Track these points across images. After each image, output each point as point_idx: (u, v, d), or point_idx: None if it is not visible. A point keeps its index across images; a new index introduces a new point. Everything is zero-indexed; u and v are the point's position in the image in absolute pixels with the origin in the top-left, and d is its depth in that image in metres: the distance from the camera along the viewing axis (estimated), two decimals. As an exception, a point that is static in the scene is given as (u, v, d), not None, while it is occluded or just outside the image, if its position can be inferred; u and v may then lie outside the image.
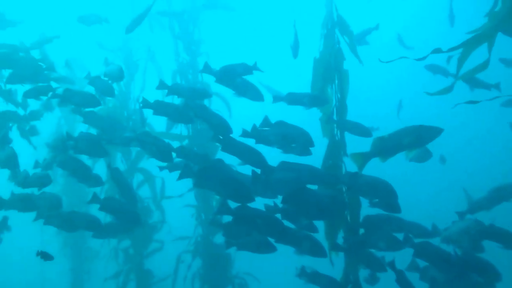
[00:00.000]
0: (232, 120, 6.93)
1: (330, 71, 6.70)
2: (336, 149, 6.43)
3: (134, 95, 9.30)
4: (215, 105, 8.86)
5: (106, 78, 7.14)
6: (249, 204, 5.81)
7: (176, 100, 7.93)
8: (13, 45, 7.51)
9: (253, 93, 6.71)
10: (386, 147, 5.55)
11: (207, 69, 6.73)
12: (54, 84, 7.45)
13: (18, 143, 7.69)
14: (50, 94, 7.44)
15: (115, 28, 9.44)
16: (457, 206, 6.99)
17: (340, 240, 6.17)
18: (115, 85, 7.52)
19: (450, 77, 9.33)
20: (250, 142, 6.23)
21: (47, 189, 6.80)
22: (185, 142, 8.50)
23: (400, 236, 5.77)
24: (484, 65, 5.33)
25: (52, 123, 10.20)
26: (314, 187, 6.00)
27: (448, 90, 5.64)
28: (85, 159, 7.42)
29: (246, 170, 6.07)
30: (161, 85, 7.00)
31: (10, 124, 7.69)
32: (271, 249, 5.98)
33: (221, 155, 6.59)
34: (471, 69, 5.45)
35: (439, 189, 15.85)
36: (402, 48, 12.21)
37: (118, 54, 9.59)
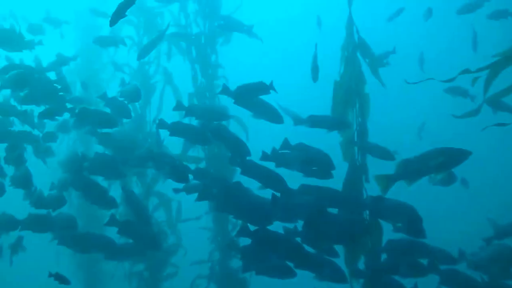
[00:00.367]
0: (249, 143, 6.82)
1: (351, 95, 6.57)
2: (357, 174, 6.28)
3: (150, 118, 9.20)
4: (232, 128, 8.75)
5: (122, 99, 7.08)
6: (268, 227, 5.69)
7: (194, 122, 7.81)
8: (28, 66, 7.49)
9: (271, 115, 6.61)
10: (412, 170, 5.39)
11: (225, 90, 6.64)
12: (69, 105, 7.38)
13: (34, 164, 7.63)
14: (65, 115, 7.42)
15: (132, 49, 9.40)
16: (480, 231, 6.81)
17: (361, 265, 6.00)
18: (130, 107, 7.46)
19: (468, 98, 9.32)
20: (270, 165, 6.14)
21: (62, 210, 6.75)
22: (202, 164, 8.38)
23: (424, 262, 5.61)
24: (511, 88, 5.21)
25: (68, 144, 10.13)
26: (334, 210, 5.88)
27: (474, 113, 5.52)
28: (100, 181, 7.31)
29: (265, 193, 5.97)
30: (179, 106, 6.92)
31: (25, 145, 7.62)
32: (290, 274, 5.79)
33: (239, 177, 6.50)
34: (497, 92, 5.33)
35: (461, 214, 15.58)
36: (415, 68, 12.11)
37: (134, 76, 9.52)
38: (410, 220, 5.47)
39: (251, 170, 6.05)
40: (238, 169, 6.47)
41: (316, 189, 5.80)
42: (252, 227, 5.72)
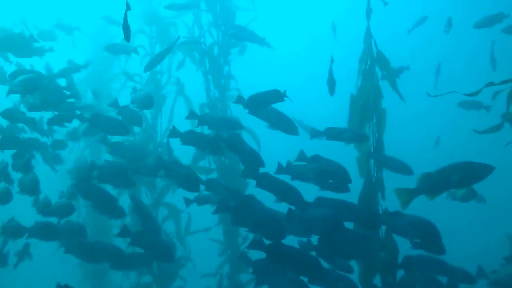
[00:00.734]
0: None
1: (368, 109, 6.43)
2: (372, 191, 6.11)
3: (161, 128, 9.08)
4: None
5: (133, 105, 6.95)
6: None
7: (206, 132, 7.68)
8: (38, 72, 7.40)
9: (287, 126, 6.46)
10: (434, 184, 5.22)
11: (240, 100, 6.51)
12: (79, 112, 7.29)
13: (44, 172, 7.52)
14: (75, 122, 7.33)
15: (144, 59, 9.30)
16: (499, 247, 6.65)
17: (377, 281, 5.83)
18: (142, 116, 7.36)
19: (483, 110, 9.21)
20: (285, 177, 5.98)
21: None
22: (213, 175, 8.23)
23: (442, 279, 5.44)
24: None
25: (77, 153, 10.02)
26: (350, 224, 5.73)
27: (497, 128, 5.37)
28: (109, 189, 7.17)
29: (279, 206, 5.83)
30: (191, 115, 6.80)
31: (34, 152, 7.51)
32: (304, 289, 5.63)
33: (251, 190, 6.36)
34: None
35: (479, 229, 15.34)
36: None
37: (145, 86, 9.41)
38: (429, 236, 5.29)
39: (267, 183, 5.89)
40: (250, 181, 6.34)
41: (332, 202, 5.65)
42: (265, 241, 5.57)
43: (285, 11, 21.62)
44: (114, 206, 6.77)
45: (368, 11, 6.70)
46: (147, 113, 8.92)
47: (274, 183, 5.86)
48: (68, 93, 7.37)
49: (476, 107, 9.44)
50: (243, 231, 8.34)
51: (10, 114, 7.27)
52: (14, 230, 6.61)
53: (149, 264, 7.46)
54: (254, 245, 5.51)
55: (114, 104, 7.05)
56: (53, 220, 6.67)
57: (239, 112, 7.29)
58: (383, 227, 5.79)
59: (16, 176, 7.13)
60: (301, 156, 6.05)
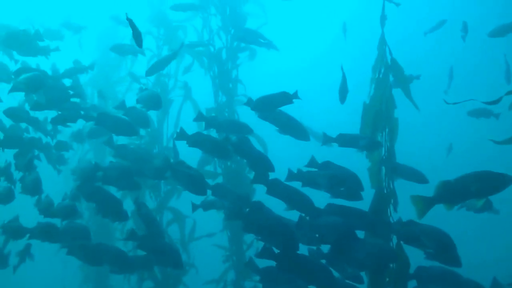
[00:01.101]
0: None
1: (381, 118, 6.27)
2: (384, 203, 5.94)
3: (167, 133, 8.93)
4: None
5: (140, 106, 6.81)
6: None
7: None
8: (42, 70, 7.26)
9: (298, 131, 6.32)
10: (452, 193, 5.03)
11: (250, 103, 6.37)
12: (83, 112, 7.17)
13: (48, 173, 7.38)
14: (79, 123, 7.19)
15: (151, 61, 9.16)
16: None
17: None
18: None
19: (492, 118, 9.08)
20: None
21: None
22: (219, 179, 8.08)
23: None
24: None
25: (81, 154, 9.89)
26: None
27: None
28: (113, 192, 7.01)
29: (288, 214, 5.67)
30: (199, 117, 6.66)
31: (36, 152, 7.37)
32: (313, 299, 5.46)
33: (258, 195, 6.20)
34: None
35: (493, 238, 15.14)
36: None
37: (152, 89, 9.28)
38: (444, 248, 5.12)
39: (278, 190, 5.73)
40: (257, 186, 6.18)
41: (344, 210, 5.49)
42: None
43: (293, 19, 21.56)
44: (118, 209, 6.60)
45: (383, 18, 6.56)
46: (153, 117, 8.77)
47: (285, 190, 5.70)
48: (71, 92, 7.22)
49: (486, 115, 9.31)
50: (248, 238, 8.19)
51: (13, 113, 7.14)
52: (15, 230, 6.46)
53: (151, 267, 7.27)
54: (264, 253, 5.34)
55: (121, 105, 6.93)
56: (56, 221, 6.50)
57: (246, 118, 7.17)
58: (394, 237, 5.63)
59: (19, 176, 7.00)
60: (312, 162, 5.89)
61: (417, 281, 5.46)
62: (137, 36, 4.94)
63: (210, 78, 8.95)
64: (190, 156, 7.14)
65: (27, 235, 6.44)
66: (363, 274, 5.68)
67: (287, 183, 5.83)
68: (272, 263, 5.44)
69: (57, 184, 7.59)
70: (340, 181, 5.64)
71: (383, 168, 6.10)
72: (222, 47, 9.02)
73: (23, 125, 7.45)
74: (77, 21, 10.00)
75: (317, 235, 5.43)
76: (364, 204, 5.81)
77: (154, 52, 9.46)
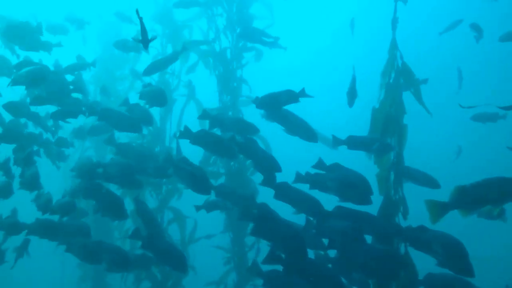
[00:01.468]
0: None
1: (390, 124, 6.12)
2: (392, 209, 5.78)
3: (170, 132, 8.77)
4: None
5: (144, 101, 6.66)
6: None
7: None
8: (43, 64, 7.11)
9: (306, 132, 6.15)
10: (468, 199, 4.84)
11: (255, 100, 6.22)
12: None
13: (47, 169, 7.20)
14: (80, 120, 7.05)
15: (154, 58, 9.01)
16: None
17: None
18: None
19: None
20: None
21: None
22: (221, 180, 7.92)
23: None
24: None
25: (82, 151, 9.74)
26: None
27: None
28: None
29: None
30: (204, 115, 6.49)
31: (35, 148, 7.21)
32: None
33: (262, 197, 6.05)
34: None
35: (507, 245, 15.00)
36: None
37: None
38: (456, 255, 4.94)
39: (286, 194, 5.57)
40: (262, 187, 6.03)
41: (353, 213, 5.33)
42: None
43: (293, 19, 21.49)
44: (119, 207, 6.42)
45: (394, 21, 6.40)
46: (156, 116, 8.62)
47: (294, 193, 5.55)
48: (72, 87, 7.07)
49: (492, 119, 9.13)
50: (249, 240, 8.03)
51: (13, 107, 6.98)
52: (12, 226, 6.30)
53: (149, 267, 7.10)
54: (272, 259, 5.18)
55: (125, 102, 6.78)
56: (55, 218, 6.34)
57: (251, 118, 7.01)
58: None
59: (18, 171, 6.84)
60: (319, 164, 5.73)
61: (426, 288, 5.30)
62: (145, 37, 4.83)
63: (216, 77, 8.79)
64: (194, 156, 6.98)
65: (25, 231, 6.29)
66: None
67: (294, 185, 5.68)
68: (276, 267, 5.30)
69: (56, 181, 7.44)
70: (351, 184, 5.46)
71: (392, 174, 5.94)
72: (227, 47, 8.87)
73: (23, 120, 7.29)
74: (80, 16, 9.84)
75: (325, 240, 5.28)
76: (372, 210, 5.66)
77: (159, 50, 9.33)
